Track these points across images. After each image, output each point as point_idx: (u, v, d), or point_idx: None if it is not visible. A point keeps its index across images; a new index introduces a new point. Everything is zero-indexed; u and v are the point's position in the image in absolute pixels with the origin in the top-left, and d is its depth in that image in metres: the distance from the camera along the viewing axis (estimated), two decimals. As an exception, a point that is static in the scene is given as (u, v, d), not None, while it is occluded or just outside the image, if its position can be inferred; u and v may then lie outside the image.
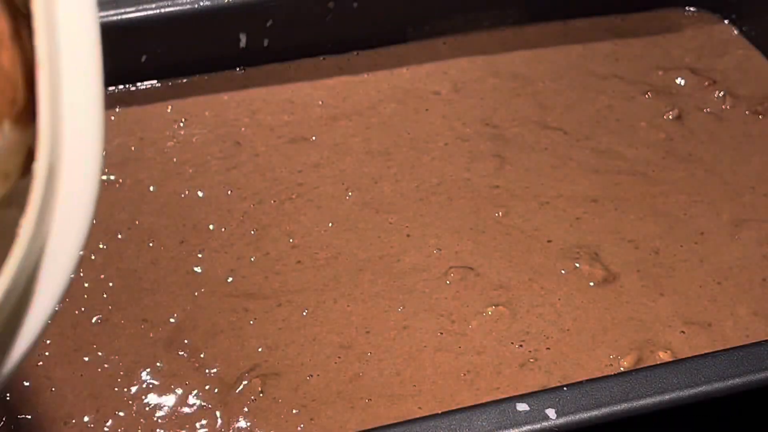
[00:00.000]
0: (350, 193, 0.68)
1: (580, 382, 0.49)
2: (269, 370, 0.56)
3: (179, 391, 0.56)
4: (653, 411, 0.49)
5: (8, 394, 0.55)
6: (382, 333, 0.59)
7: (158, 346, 0.58)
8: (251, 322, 0.59)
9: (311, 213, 0.67)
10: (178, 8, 0.77)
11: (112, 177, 0.70)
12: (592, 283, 0.61)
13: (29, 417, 0.54)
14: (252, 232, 0.65)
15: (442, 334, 0.58)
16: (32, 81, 0.29)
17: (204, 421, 0.54)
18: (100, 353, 0.58)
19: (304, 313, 0.60)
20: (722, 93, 0.78)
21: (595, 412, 0.48)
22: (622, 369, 0.56)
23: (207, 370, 0.57)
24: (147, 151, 0.72)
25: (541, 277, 0.62)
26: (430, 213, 0.67)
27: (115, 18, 0.76)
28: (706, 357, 0.50)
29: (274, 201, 0.68)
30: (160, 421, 0.54)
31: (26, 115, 0.29)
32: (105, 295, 0.61)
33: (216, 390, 0.55)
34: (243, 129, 0.74)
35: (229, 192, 0.69)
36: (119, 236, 0.65)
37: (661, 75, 0.80)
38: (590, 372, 0.56)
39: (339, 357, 0.57)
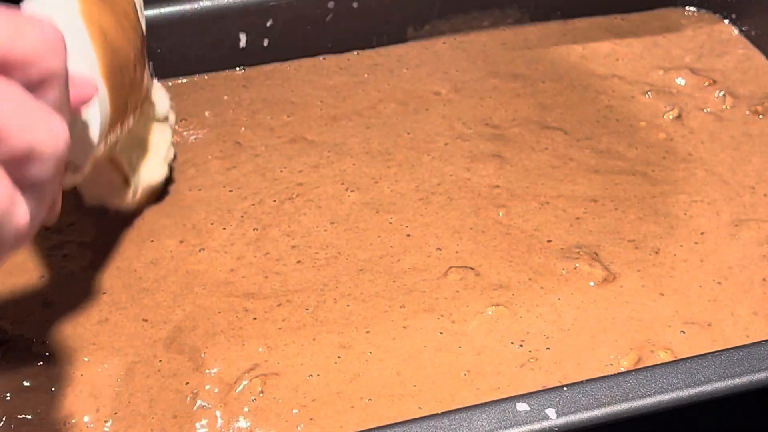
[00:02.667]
0: (350, 193, 0.68)
1: (580, 382, 0.49)
2: (269, 370, 0.56)
3: (179, 391, 0.56)
4: (653, 411, 0.49)
5: (8, 394, 0.55)
6: (382, 333, 0.59)
7: (158, 346, 0.58)
8: (251, 322, 0.59)
9: (311, 213, 0.67)
10: (178, 8, 0.77)
11: (112, 177, 0.70)
12: (592, 283, 0.61)
13: (29, 417, 0.54)
14: (252, 232, 0.65)
15: (442, 334, 0.58)
16: None
17: (204, 421, 0.54)
18: (100, 353, 0.58)
19: (304, 313, 0.60)
20: (722, 93, 0.78)
21: (595, 412, 0.48)
22: (622, 369, 0.56)
23: (207, 370, 0.57)
24: (147, 151, 0.72)
25: (541, 277, 0.62)
26: (430, 213, 0.67)
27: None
28: (706, 357, 0.50)
29: (275, 201, 0.68)
30: (159, 421, 0.54)
31: None
32: (105, 295, 0.61)
33: (216, 390, 0.55)
34: (243, 129, 0.74)
35: (230, 192, 0.69)
36: (119, 235, 0.65)
37: (661, 75, 0.80)
38: (590, 372, 0.56)
39: (339, 357, 0.57)
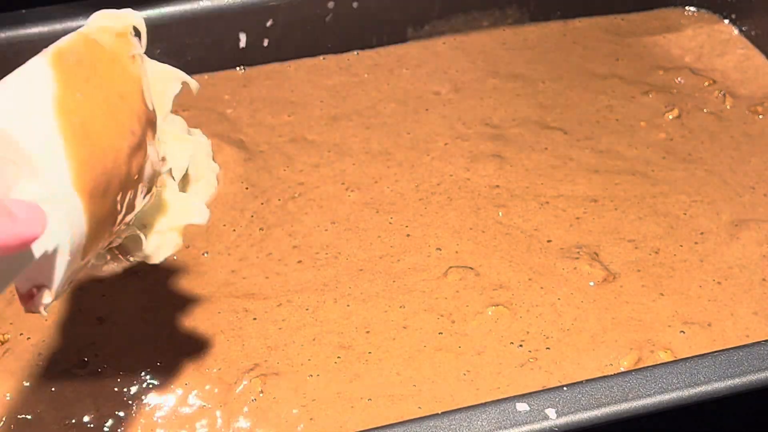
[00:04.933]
0: (350, 193, 0.68)
1: (580, 382, 0.49)
2: (269, 370, 0.56)
3: (179, 391, 0.56)
4: (653, 411, 0.49)
5: (8, 394, 0.55)
6: (382, 333, 0.59)
7: (158, 346, 0.58)
8: (251, 322, 0.59)
9: (313, 212, 0.67)
10: (178, 8, 0.77)
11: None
12: (592, 283, 0.61)
13: (29, 417, 0.54)
14: (259, 232, 0.65)
15: (442, 334, 0.58)
16: None
17: (204, 421, 0.54)
18: (99, 353, 0.58)
19: (304, 313, 0.60)
20: (722, 93, 0.78)
21: (595, 412, 0.48)
22: (622, 369, 0.56)
23: (207, 370, 0.57)
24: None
25: (541, 277, 0.62)
26: (430, 213, 0.67)
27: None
28: (706, 357, 0.51)
29: (279, 200, 0.68)
30: (160, 421, 0.54)
31: None
32: (104, 296, 0.61)
33: (216, 390, 0.55)
34: (243, 129, 0.74)
35: (246, 189, 0.69)
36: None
37: (661, 75, 0.80)
38: (590, 372, 0.56)
39: (339, 357, 0.57)
